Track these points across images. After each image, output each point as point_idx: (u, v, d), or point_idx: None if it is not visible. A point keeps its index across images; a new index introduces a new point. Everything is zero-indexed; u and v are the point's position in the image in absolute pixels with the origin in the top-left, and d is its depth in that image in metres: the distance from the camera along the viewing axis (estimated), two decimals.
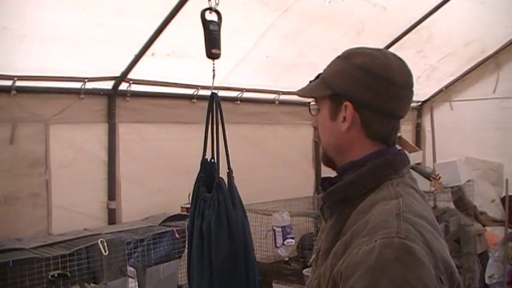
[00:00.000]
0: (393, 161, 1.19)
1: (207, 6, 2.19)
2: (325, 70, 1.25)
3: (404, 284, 0.94)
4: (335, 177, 1.27)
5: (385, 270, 0.95)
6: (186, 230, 2.78)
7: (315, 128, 1.29)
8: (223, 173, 2.23)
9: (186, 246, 2.46)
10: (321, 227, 1.39)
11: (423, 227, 1.04)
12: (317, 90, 1.23)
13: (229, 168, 2.26)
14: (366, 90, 1.15)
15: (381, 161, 1.18)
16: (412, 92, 1.21)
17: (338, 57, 1.24)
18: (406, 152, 1.30)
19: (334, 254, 1.11)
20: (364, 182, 1.16)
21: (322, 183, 1.30)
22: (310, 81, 1.27)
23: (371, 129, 1.18)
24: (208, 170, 2.26)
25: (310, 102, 1.29)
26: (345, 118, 1.18)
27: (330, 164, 1.27)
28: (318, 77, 1.25)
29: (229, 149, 2.28)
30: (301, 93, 1.27)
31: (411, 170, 1.25)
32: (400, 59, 1.22)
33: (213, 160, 2.26)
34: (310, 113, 1.30)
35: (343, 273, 1.01)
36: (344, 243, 1.09)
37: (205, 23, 2.19)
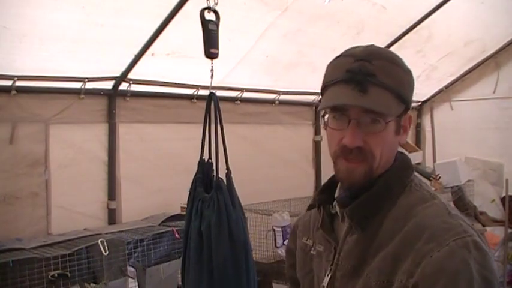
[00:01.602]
0: (409, 160, 1.16)
1: (207, 5, 2.19)
2: (389, 79, 1.05)
3: (484, 281, 0.94)
4: (348, 191, 1.12)
5: (468, 272, 0.93)
6: None
7: (359, 148, 1.05)
8: (221, 174, 2.22)
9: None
10: (300, 247, 1.28)
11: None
12: (395, 107, 1.07)
13: (227, 168, 2.25)
14: (412, 94, 1.12)
15: (400, 162, 1.13)
16: None
17: (391, 63, 1.08)
18: None
19: (378, 270, 1.02)
20: (394, 188, 1.09)
21: (328, 199, 1.16)
22: (360, 89, 1.03)
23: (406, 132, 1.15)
24: (205, 171, 2.25)
25: (378, 116, 1.05)
26: (405, 129, 1.13)
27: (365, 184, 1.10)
28: (369, 82, 1.03)
29: (229, 149, 2.27)
30: (378, 108, 1.03)
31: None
32: None
33: (210, 160, 2.25)
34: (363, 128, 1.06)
35: (419, 284, 0.95)
36: (391, 256, 1.01)
37: (205, 22, 2.19)
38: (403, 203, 1.07)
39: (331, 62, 1.13)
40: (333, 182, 1.20)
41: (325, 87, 1.11)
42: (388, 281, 1.00)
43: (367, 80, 1.03)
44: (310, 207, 1.25)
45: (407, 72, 1.10)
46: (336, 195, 1.17)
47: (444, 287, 0.93)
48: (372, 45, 1.11)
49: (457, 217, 1.03)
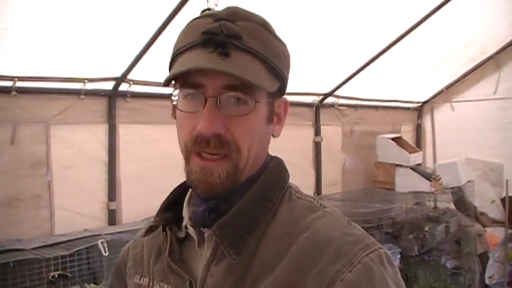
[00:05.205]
0: (283, 162, 0.94)
1: (207, 6, 2.20)
2: (258, 45, 0.82)
3: None
4: (216, 201, 0.84)
5: None
6: None
7: (219, 137, 0.79)
8: None
9: None
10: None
11: None
12: (267, 81, 0.82)
13: None
14: (289, 71, 0.92)
15: (274, 163, 0.91)
16: None
17: (262, 26, 0.84)
18: None
19: None
20: (271, 196, 0.85)
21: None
22: (221, 52, 0.77)
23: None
24: None
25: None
26: (280, 119, 0.89)
27: (229, 190, 0.84)
28: (232, 45, 0.79)
29: None
30: (246, 76, 0.76)
31: None
32: None
33: None
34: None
35: None
36: (281, 285, 0.76)
37: None
38: (285, 214, 0.83)
39: (185, 26, 0.88)
40: (178, 195, 0.93)
41: (175, 57, 0.87)
42: None
43: (230, 42, 0.78)
44: (150, 231, 0.94)
45: (282, 44, 0.88)
46: (186, 212, 0.90)
47: None
48: (237, 7, 0.85)
49: (357, 227, 0.82)
